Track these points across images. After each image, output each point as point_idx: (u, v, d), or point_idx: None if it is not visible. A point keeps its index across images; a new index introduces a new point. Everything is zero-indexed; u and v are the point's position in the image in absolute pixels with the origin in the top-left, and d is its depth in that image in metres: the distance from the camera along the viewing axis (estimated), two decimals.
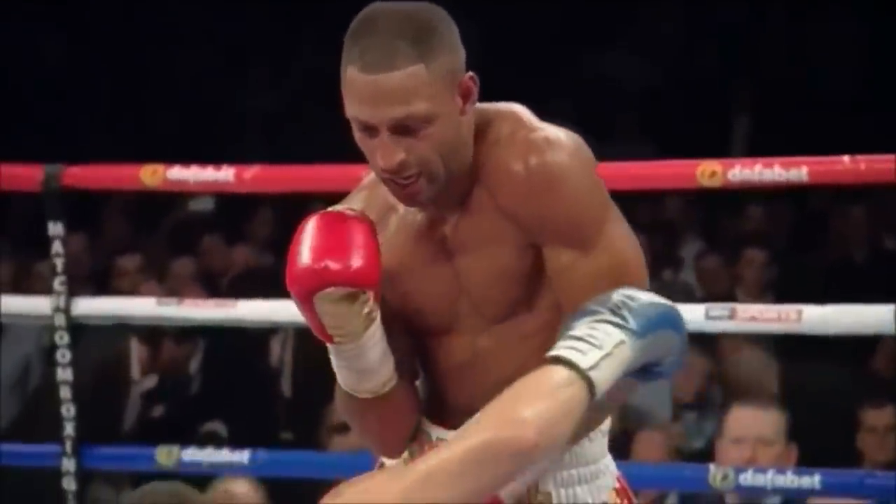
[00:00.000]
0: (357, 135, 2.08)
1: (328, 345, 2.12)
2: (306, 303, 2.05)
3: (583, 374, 1.80)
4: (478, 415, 1.75)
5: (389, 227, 2.18)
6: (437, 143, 2.05)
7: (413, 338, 2.22)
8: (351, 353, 2.10)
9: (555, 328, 2.03)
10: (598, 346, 1.83)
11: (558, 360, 1.82)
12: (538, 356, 1.94)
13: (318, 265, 2.03)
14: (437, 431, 2.23)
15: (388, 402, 2.16)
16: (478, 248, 2.12)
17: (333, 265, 2.03)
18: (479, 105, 2.12)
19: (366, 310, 2.07)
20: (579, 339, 1.84)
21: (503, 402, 1.78)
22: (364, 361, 2.12)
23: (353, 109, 2.05)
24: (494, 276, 2.12)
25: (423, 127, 2.03)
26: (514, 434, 1.73)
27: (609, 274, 2.05)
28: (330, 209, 2.12)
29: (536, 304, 2.14)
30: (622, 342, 1.85)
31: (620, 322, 1.86)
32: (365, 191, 2.21)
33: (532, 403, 1.76)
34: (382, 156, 2.04)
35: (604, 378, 1.82)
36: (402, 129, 2.03)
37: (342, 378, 2.15)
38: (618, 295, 1.89)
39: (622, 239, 2.11)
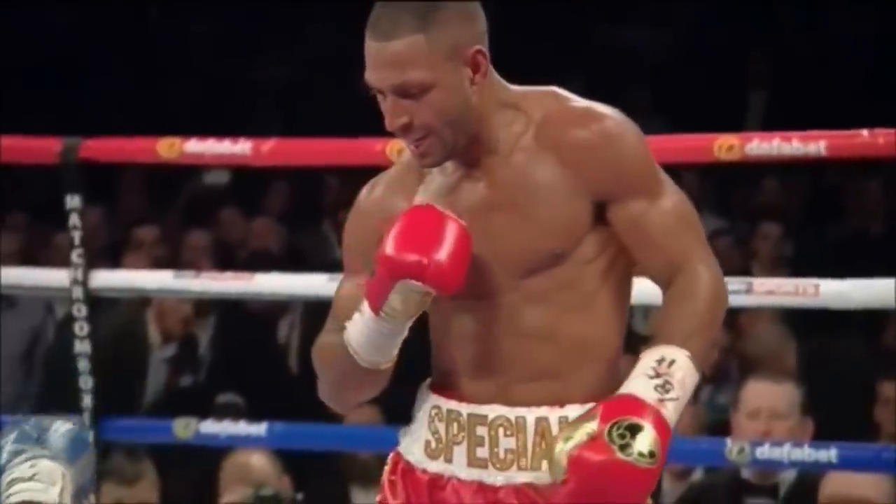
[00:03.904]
0: (377, 96, 2.22)
1: (369, 313, 2.19)
2: (389, 282, 2.16)
3: None
4: None
5: (429, 188, 2.30)
6: (438, 109, 2.19)
7: (439, 305, 2.28)
8: (384, 329, 2.20)
9: (578, 284, 2.23)
10: (48, 481, 1.92)
11: None
12: (562, 310, 2.20)
13: (424, 259, 2.14)
14: (466, 408, 2.29)
15: (374, 374, 2.26)
16: (523, 203, 2.24)
17: (435, 266, 2.14)
18: (520, 87, 2.29)
19: (426, 303, 2.20)
20: (28, 479, 1.92)
21: None
22: (388, 339, 2.22)
23: (366, 72, 2.21)
24: (537, 227, 2.23)
25: (422, 93, 2.18)
26: None
27: (679, 213, 2.27)
28: (439, 208, 2.22)
29: (566, 259, 2.25)
30: (64, 475, 1.93)
31: (51, 454, 1.95)
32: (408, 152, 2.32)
33: None
34: (387, 117, 2.21)
35: None
36: (404, 93, 2.19)
37: (356, 342, 2.22)
38: (30, 426, 1.99)
39: (674, 186, 2.29)
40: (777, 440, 3.58)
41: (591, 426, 2.10)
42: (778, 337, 4.95)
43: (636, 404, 2.11)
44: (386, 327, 2.20)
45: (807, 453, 3.42)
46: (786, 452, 3.44)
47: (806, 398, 3.93)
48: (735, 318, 5.12)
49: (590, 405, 2.20)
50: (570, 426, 2.13)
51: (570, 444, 2.10)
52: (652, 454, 2.08)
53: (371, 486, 4.36)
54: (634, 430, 2.09)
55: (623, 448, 2.07)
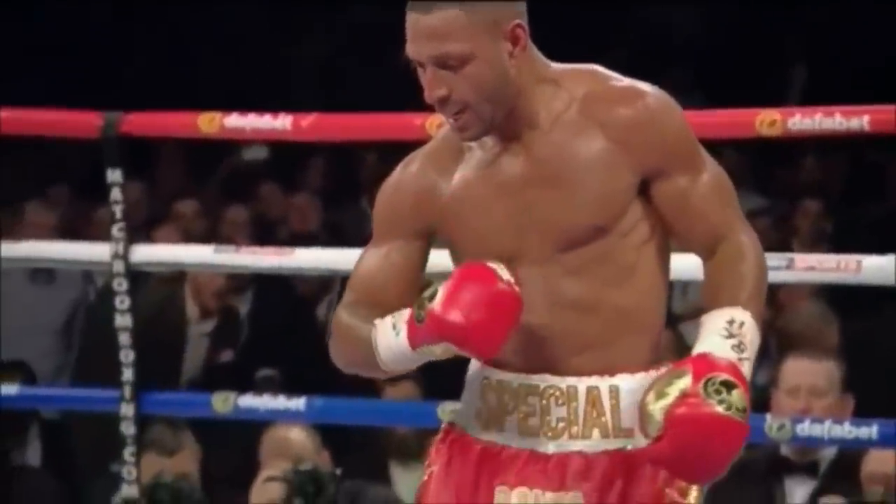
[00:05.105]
0: (417, 69, 2.27)
1: (406, 343, 2.24)
2: (436, 338, 2.21)
3: None
4: None
5: (469, 163, 2.33)
6: (477, 81, 2.23)
7: None
8: (414, 358, 2.26)
9: (617, 256, 2.27)
10: None
11: None
12: (602, 282, 2.25)
13: (468, 326, 2.17)
14: (516, 378, 2.32)
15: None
16: (564, 178, 2.27)
17: (476, 336, 2.18)
18: (560, 65, 2.32)
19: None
20: None
21: None
22: (416, 363, 2.29)
23: (406, 45, 2.26)
24: (579, 201, 2.26)
25: (461, 65, 2.22)
26: None
27: (719, 186, 2.31)
28: (496, 269, 2.22)
29: (606, 232, 2.28)
30: None
31: None
32: (446, 127, 2.36)
33: None
34: (426, 89, 2.26)
35: None
36: (443, 65, 2.23)
37: (384, 354, 2.27)
38: None
39: (711, 159, 2.34)
40: (818, 417, 3.56)
41: (684, 382, 2.13)
42: (818, 313, 4.93)
43: (723, 362, 2.16)
44: (417, 357, 2.26)
45: (847, 430, 3.40)
46: (826, 429, 3.42)
47: (846, 375, 3.92)
48: (775, 295, 5.10)
49: (640, 374, 2.26)
50: (660, 383, 2.15)
51: (666, 401, 2.13)
52: (745, 410, 2.12)
53: (410, 461, 4.37)
54: (729, 386, 2.12)
55: (721, 403, 2.11)
